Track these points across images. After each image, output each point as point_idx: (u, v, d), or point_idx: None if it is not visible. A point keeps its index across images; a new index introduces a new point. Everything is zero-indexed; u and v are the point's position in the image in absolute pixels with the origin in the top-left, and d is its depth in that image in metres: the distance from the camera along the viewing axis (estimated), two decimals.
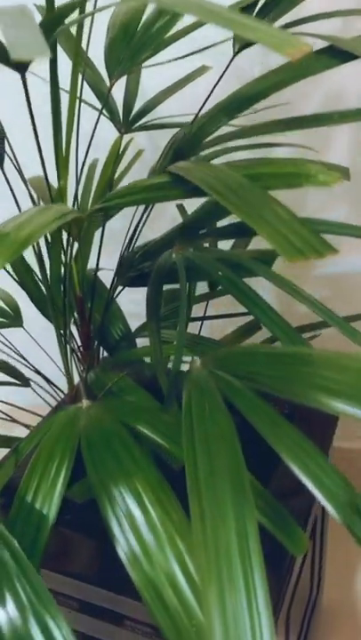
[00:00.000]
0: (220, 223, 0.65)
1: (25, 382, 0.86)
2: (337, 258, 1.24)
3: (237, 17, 0.35)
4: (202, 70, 0.85)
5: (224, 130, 0.56)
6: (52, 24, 0.43)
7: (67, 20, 0.45)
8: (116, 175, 0.82)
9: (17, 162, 0.67)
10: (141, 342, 0.88)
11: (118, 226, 0.84)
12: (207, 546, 0.36)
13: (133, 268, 0.66)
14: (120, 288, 0.70)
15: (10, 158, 0.67)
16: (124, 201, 0.51)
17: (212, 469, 0.39)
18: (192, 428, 0.41)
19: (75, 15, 0.51)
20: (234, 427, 0.41)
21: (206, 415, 0.41)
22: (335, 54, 0.50)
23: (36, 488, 0.48)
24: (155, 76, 0.80)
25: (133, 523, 0.46)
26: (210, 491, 0.38)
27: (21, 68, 0.46)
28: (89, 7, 0.69)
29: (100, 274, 0.80)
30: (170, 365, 0.67)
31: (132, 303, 0.91)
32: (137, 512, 0.46)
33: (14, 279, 0.76)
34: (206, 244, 0.72)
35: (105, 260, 0.77)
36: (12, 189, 0.63)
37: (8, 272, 0.75)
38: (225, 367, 0.44)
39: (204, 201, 0.60)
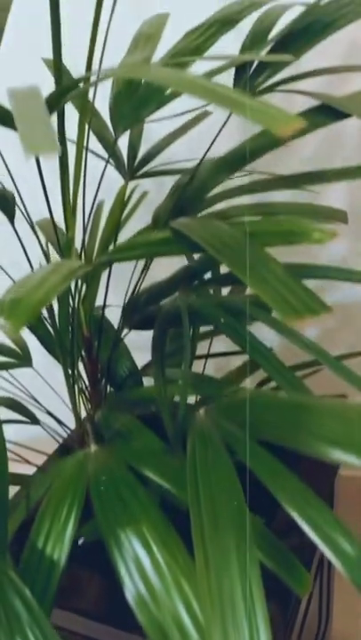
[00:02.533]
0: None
1: (34, 420, 0.88)
2: (344, 286, 1.26)
3: (230, 94, 0.37)
4: (204, 115, 0.88)
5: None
6: (60, 96, 0.46)
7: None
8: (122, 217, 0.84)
9: (27, 211, 0.69)
10: (148, 379, 0.90)
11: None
12: (212, 594, 0.38)
13: (138, 312, 0.69)
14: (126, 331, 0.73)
15: (19, 207, 0.70)
16: (128, 255, 0.53)
17: (215, 519, 0.40)
18: (196, 480, 0.43)
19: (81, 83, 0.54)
20: (236, 476, 0.42)
21: (209, 466, 0.43)
22: (329, 113, 0.52)
23: (47, 534, 0.50)
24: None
25: (140, 566, 0.47)
26: (214, 540, 0.39)
27: None
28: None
29: (107, 309, 0.83)
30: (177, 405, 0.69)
31: (138, 335, 0.93)
32: (144, 556, 0.48)
33: None
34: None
35: (112, 294, 0.79)
36: (22, 244, 0.66)
37: None
38: (228, 416, 0.45)
39: None
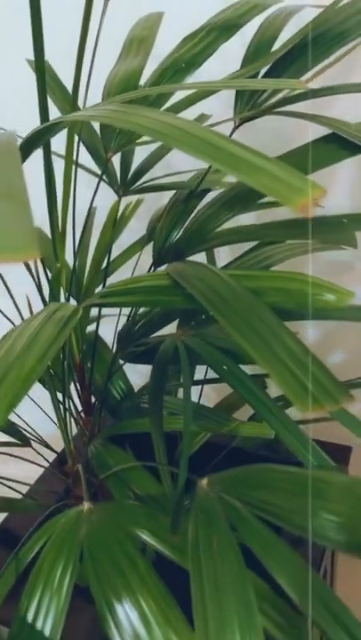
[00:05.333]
0: None
1: (25, 442, 0.84)
2: None
3: (239, 152, 0.33)
4: (202, 119, 0.82)
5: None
6: (31, 143, 0.41)
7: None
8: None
9: None
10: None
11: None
12: None
13: (134, 343, 0.64)
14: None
15: None
16: (124, 301, 0.48)
17: (221, 614, 0.37)
18: (200, 568, 0.39)
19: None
20: (243, 565, 0.39)
21: (215, 552, 0.39)
22: (345, 145, 0.47)
23: (38, 605, 0.47)
24: None
25: None
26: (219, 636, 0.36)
27: None
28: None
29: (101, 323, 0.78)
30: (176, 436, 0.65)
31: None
32: (142, 632, 0.44)
33: None
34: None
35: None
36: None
37: None
38: (233, 491, 0.42)
39: None
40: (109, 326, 0.79)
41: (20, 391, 0.34)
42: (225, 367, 0.51)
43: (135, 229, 0.87)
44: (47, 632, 0.46)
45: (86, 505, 0.52)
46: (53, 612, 0.47)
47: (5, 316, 0.72)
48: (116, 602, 0.46)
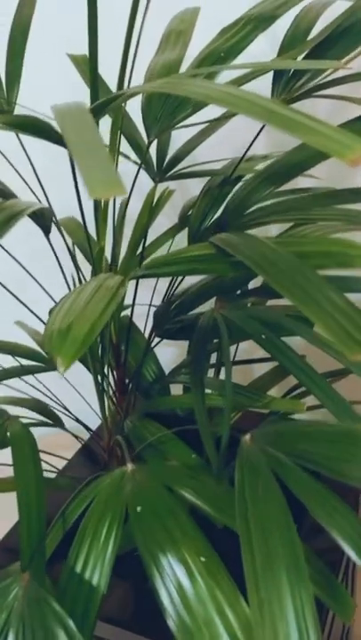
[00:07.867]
0: None
1: (59, 423, 0.87)
2: None
3: (295, 116, 0.35)
4: (233, 114, 0.85)
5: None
6: (99, 110, 0.44)
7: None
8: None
9: (57, 222, 0.68)
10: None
11: None
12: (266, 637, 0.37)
13: (170, 321, 0.67)
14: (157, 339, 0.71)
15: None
16: (165, 271, 0.51)
17: (268, 556, 0.39)
18: (246, 511, 0.41)
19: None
20: (287, 507, 0.41)
21: (260, 497, 0.41)
22: None
23: (86, 557, 0.49)
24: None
25: (183, 594, 0.46)
26: (267, 580, 0.38)
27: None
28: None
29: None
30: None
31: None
32: (186, 582, 0.47)
33: None
34: None
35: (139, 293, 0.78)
36: (56, 255, 0.64)
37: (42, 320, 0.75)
38: (276, 444, 0.44)
39: None
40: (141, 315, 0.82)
41: (83, 345, 0.36)
42: (263, 336, 0.53)
43: (164, 224, 0.90)
44: (95, 581, 0.48)
45: (130, 466, 0.54)
46: (101, 563, 0.49)
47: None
48: (160, 555, 0.48)
